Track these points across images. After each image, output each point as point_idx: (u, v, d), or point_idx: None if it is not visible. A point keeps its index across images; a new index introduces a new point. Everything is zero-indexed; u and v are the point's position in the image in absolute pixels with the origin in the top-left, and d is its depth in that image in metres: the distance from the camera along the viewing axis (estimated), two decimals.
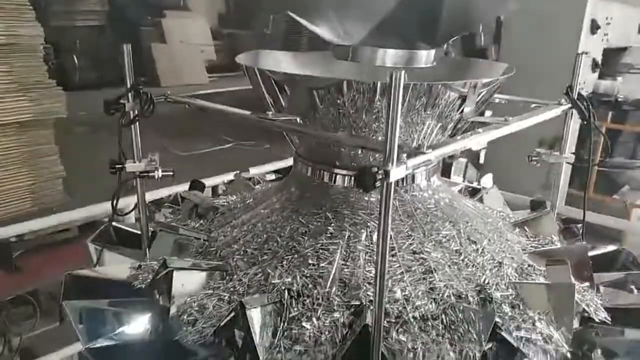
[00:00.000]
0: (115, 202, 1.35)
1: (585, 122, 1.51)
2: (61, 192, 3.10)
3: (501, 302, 1.18)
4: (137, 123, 1.36)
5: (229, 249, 1.33)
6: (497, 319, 1.12)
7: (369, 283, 1.17)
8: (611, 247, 1.59)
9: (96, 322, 1.19)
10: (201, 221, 1.56)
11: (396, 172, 0.86)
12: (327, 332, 1.08)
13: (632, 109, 5.37)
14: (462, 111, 1.29)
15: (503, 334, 1.06)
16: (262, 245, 1.28)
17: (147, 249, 1.40)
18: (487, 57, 4.97)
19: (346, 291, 1.17)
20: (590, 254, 1.55)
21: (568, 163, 1.60)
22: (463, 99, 1.25)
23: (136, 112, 1.33)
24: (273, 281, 1.18)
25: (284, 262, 1.22)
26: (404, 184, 1.36)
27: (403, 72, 0.83)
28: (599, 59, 4.21)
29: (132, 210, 1.44)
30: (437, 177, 1.47)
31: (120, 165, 1.35)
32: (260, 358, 1.04)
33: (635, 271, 1.45)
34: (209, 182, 2.30)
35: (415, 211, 1.35)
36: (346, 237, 1.25)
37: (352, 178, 1.35)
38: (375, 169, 0.84)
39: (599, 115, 5.64)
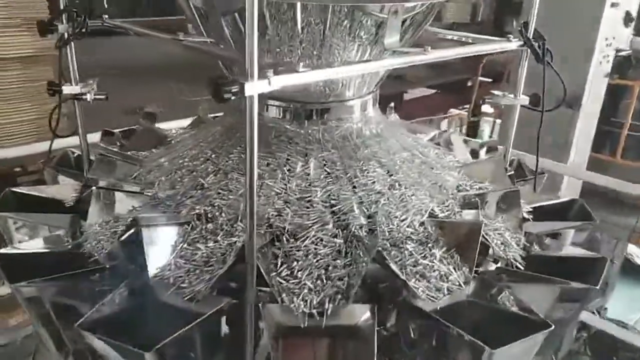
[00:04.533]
0: (54, 122, 1.40)
1: (538, 62, 1.42)
2: (65, 129, 3.20)
3: (405, 238, 1.16)
4: (72, 45, 1.37)
5: (150, 176, 1.35)
6: (397, 253, 1.11)
7: (278, 214, 1.17)
8: (567, 198, 1.52)
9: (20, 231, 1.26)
10: (145, 152, 1.59)
11: (254, 87, 0.83)
12: (219, 254, 1.09)
13: None
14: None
15: (391, 265, 1.04)
16: (178, 178, 1.30)
17: (86, 172, 1.44)
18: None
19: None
20: (543, 203, 1.50)
21: (522, 106, 1.51)
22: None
23: (69, 33, 1.34)
24: (180, 208, 1.20)
25: (195, 192, 1.23)
26: (330, 115, 1.33)
27: None
28: (634, 11, 3.89)
29: (72, 135, 1.48)
30: (374, 110, 1.43)
31: (57, 88, 1.38)
32: (150, 274, 1.07)
33: (574, 223, 1.38)
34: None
35: (344, 145, 1.33)
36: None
37: (282, 109, 1.34)
38: (228, 80, 0.82)
39: (637, 74, 5.21)
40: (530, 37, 1.40)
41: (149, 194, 1.28)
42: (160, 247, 1.10)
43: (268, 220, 1.15)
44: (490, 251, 1.21)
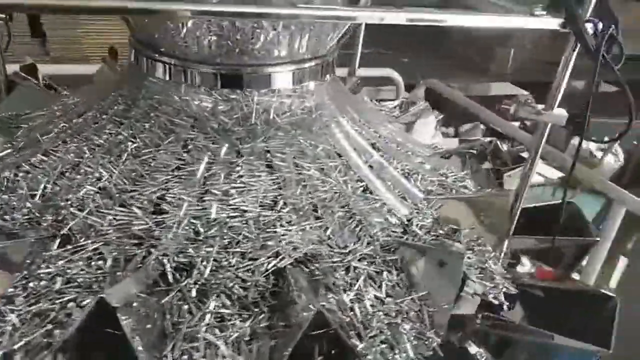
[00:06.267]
0: None
1: (589, 58, 0.81)
2: None
3: (219, 293, 0.74)
4: None
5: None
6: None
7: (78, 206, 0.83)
8: (590, 286, 0.92)
9: None
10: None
11: None
12: None
13: None
14: None
15: (133, 342, 0.64)
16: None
17: None
18: None
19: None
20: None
21: (562, 126, 0.91)
22: None
23: None
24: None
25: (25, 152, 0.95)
26: (230, 84, 0.92)
27: None
28: None
29: None
30: (321, 84, 0.98)
31: None
32: None
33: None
34: None
35: (234, 130, 0.92)
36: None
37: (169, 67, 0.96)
38: None
39: None
40: (583, 16, 0.80)
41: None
42: None
43: (58, 211, 0.83)
44: None
